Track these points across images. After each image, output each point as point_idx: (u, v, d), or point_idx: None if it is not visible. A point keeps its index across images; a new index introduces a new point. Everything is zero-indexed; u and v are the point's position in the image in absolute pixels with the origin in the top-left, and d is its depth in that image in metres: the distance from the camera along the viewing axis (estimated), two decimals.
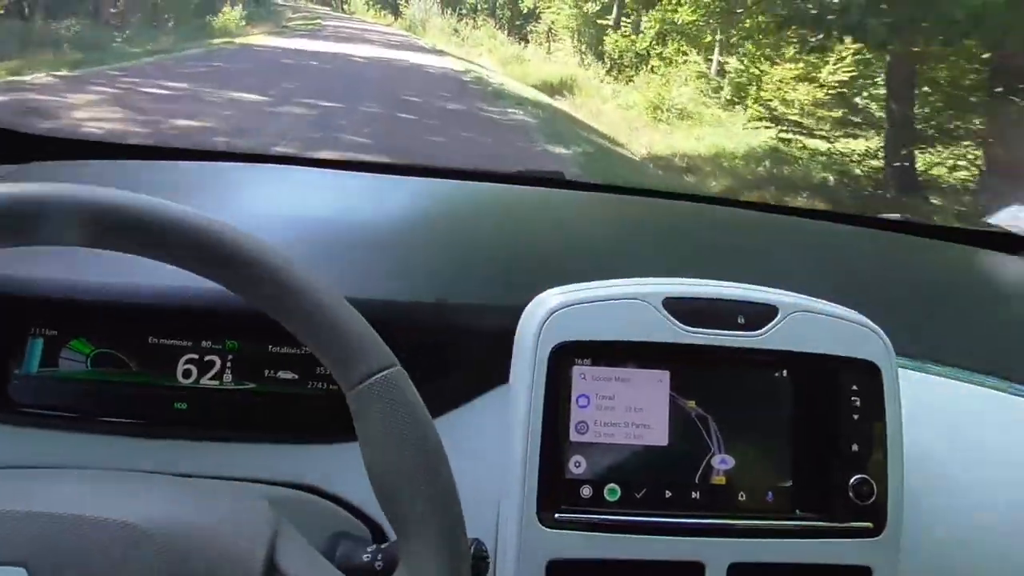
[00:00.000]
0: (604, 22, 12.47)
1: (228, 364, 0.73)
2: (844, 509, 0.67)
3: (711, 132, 8.53)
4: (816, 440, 0.68)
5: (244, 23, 14.97)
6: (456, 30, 19.06)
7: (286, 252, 0.50)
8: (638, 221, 1.09)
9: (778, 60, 8.43)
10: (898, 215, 1.21)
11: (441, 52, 16.17)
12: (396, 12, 26.57)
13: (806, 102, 7.96)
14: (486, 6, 19.48)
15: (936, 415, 0.78)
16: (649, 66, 10.62)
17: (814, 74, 7.87)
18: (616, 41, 11.67)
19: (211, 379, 0.72)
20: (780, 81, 8.32)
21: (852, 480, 0.67)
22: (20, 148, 1.03)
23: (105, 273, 0.70)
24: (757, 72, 8.68)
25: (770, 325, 0.67)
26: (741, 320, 0.66)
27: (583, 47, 12.61)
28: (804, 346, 0.67)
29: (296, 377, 0.73)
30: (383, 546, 0.55)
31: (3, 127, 1.05)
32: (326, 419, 0.72)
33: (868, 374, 0.68)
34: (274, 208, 0.92)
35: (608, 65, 11.55)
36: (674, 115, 9.18)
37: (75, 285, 0.70)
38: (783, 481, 0.67)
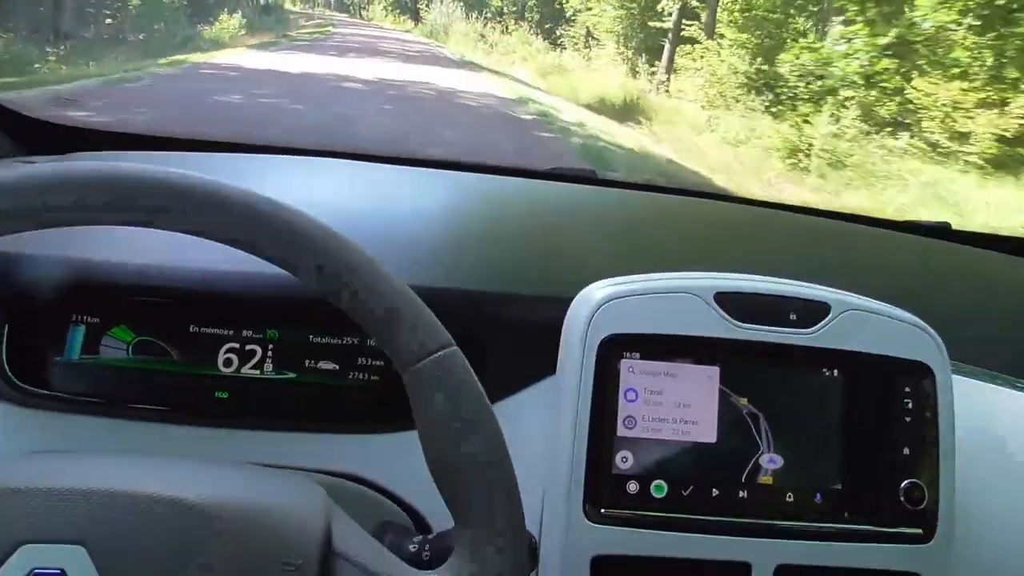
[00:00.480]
0: (659, 25, 10.56)
1: (269, 353, 0.72)
2: (894, 514, 0.65)
3: (900, 195, 5.56)
4: (867, 442, 0.66)
5: (243, 32, 13.27)
6: (482, 36, 17.72)
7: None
8: (674, 219, 1.08)
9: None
10: (938, 221, 1.19)
11: (472, 65, 13.59)
12: (416, 18, 25.04)
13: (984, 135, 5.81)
14: (514, 9, 18.06)
15: (986, 422, 0.76)
16: (840, 98, 7.01)
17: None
18: (795, 55, 7.75)
19: (252, 368, 0.72)
20: (953, 106, 6.04)
21: (903, 484, 0.65)
22: (60, 139, 1.04)
23: (146, 257, 0.70)
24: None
25: (823, 323, 0.65)
26: (793, 317, 0.65)
27: (630, 53, 10.98)
28: (856, 345, 0.66)
29: (337, 367, 0.72)
30: (430, 536, 0.54)
31: (43, 119, 1.06)
32: (367, 409, 0.71)
33: (921, 376, 0.66)
34: (316, 199, 0.92)
35: (772, 95, 7.85)
36: (825, 162, 6.30)
37: (116, 269, 0.70)
38: (832, 483, 0.66)
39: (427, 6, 22.90)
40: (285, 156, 1.09)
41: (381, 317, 0.48)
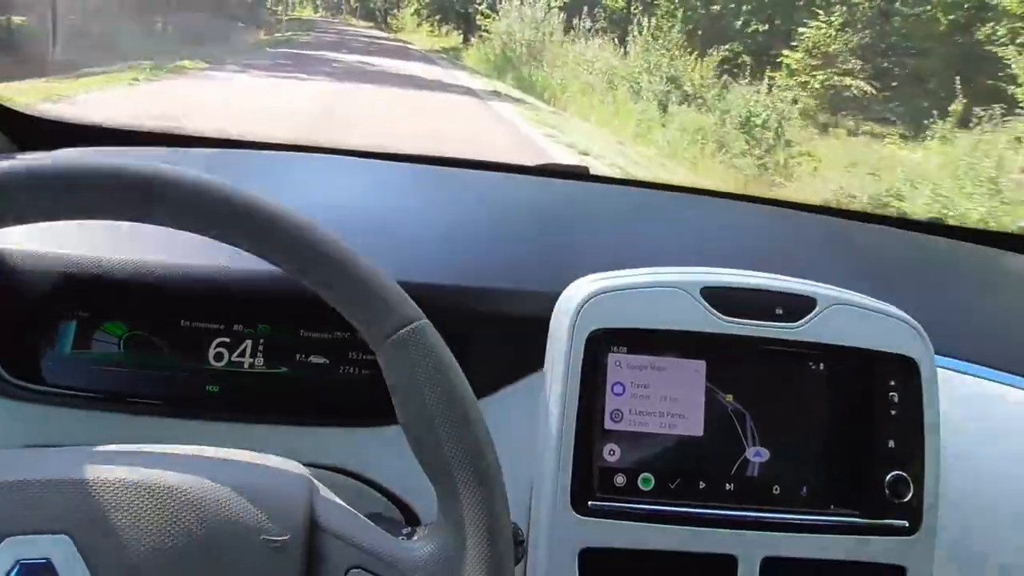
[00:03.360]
0: None
1: (260, 348, 0.73)
2: (879, 506, 0.66)
3: None
4: (852, 435, 0.67)
5: None
6: (678, 83, 8.30)
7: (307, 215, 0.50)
8: (665, 216, 1.08)
9: None
10: (930, 217, 1.19)
11: None
12: (469, 29, 14.21)
13: None
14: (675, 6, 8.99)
15: (972, 415, 0.77)
16: None
17: None
18: None
19: (243, 362, 0.72)
20: None
21: (888, 477, 0.66)
22: (49, 134, 1.04)
23: (138, 253, 0.71)
24: None
25: (808, 317, 0.66)
26: (779, 311, 0.66)
27: None
28: (842, 339, 0.66)
29: (327, 361, 0.73)
30: (417, 528, 0.55)
31: (30, 114, 1.06)
32: (357, 403, 0.72)
33: (906, 370, 0.67)
34: (305, 196, 0.92)
35: None
36: None
37: (109, 265, 0.70)
38: (818, 476, 0.66)
39: (491, 11, 12.36)
40: (276, 152, 1.09)
41: (351, 294, 0.48)
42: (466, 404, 0.48)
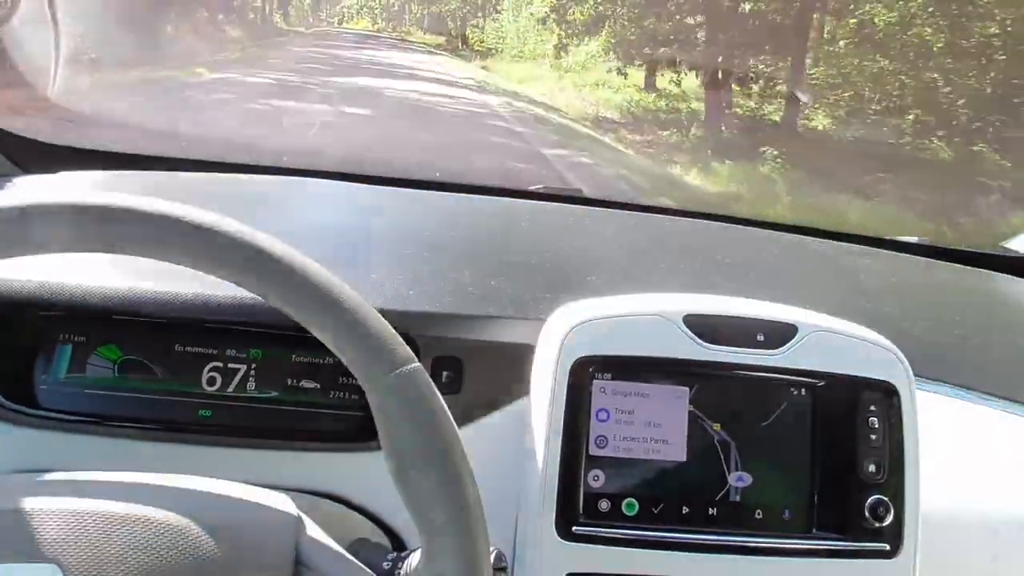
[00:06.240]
0: None
1: (252, 372, 0.74)
2: (860, 530, 0.67)
3: None
4: (833, 459, 0.68)
5: None
6: None
7: (305, 254, 0.50)
8: (657, 238, 1.09)
9: None
10: (916, 238, 1.21)
11: None
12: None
13: None
14: None
15: (953, 438, 0.78)
16: None
17: None
18: None
19: (235, 387, 0.73)
20: None
21: (869, 501, 0.67)
22: (48, 157, 1.05)
23: (133, 281, 0.72)
24: None
25: (790, 344, 0.67)
26: (761, 338, 0.67)
27: None
28: (823, 365, 0.68)
29: (319, 386, 0.74)
30: (403, 553, 0.56)
31: (31, 137, 1.08)
32: (347, 428, 0.73)
33: (886, 395, 0.68)
34: (296, 221, 0.93)
35: None
36: None
37: (104, 292, 0.71)
38: (800, 500, 0.68)
39: None
40: (269, 177, 1.10)
41: (342, 334, 0.49)
42: (451, 447, 0.49)
